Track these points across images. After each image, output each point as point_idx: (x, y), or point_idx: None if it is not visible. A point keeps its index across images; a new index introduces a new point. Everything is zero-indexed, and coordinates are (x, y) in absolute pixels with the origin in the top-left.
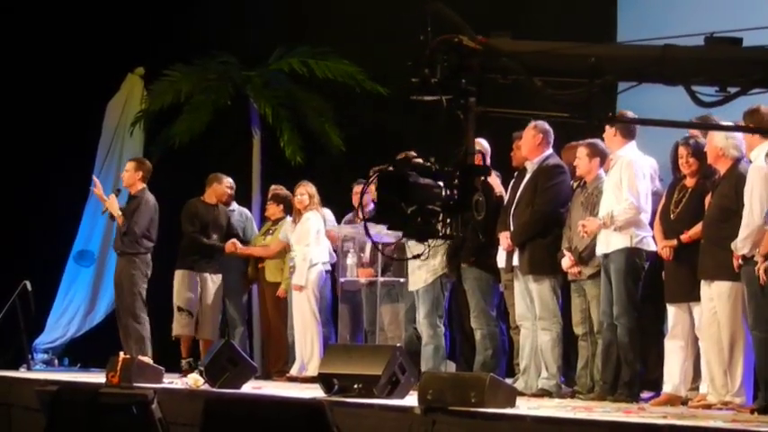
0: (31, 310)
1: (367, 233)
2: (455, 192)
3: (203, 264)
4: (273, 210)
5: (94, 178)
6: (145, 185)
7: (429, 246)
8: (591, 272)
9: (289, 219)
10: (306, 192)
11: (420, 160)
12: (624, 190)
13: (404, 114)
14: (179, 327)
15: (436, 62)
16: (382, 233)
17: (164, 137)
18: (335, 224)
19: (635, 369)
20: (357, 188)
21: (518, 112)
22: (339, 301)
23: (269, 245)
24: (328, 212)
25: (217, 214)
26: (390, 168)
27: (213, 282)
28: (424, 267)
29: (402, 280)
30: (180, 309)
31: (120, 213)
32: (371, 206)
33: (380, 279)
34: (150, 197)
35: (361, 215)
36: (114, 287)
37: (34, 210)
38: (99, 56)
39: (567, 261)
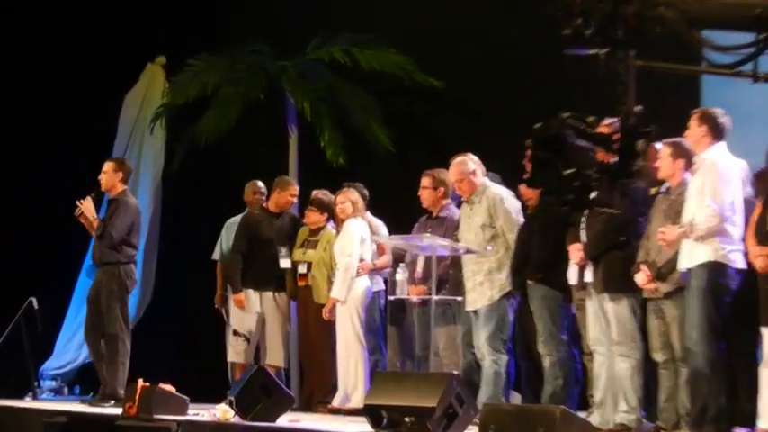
0: (38, 330)
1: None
2: (615, 156)
3: (264, 281)
4: (315, 218)
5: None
6: (126, 188)
7: (483, 253)
8: (669, 289)
9: (333, 230)
10: (347, 199)
11: (575, 121)
12: (706, 195)
13: (457, 110)
14: (233, 353)
15: (589, 12)
16: (436, 244)
17: (188, 135)
18: (386, 234)
19: (720, 402)
20: (426, 180)
21: (680, 68)
22: (388, 323)
23: (314, 262)
24: (378, 222)
25: (282, 225)
26: (547, 128)
27: (278, 300)
28: (487, 283)
29: (459, 299)
30: (236, 333)
31: (95, 216)
32: (448, 209)
33: (435, 297)
34: (132, 200)
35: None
36: (87, 304)
37: (41, 217)
38: (114, 44)
39: (642, 276)
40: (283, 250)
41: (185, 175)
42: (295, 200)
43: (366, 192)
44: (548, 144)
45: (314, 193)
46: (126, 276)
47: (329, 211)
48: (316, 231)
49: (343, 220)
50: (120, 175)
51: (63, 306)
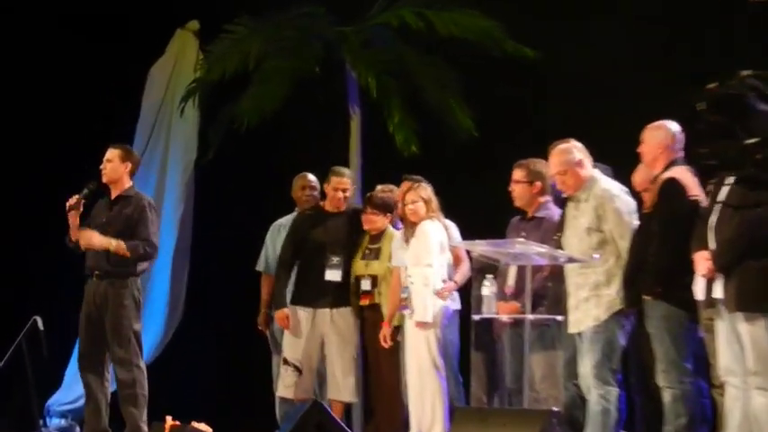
0: (44, 356)
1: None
2: None
3: (317, 296)
4: (379, 222)
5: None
6: (132, 183)
7: (589, 263)
8: None
9: (395, 233)
10: (419, 197)
11: (758, 82)
12: None
13: (557, 86)
14: (282, 386)
15: None
16: (531, 251)
17: (226, 117)
18: (458, 238)
19: None
20: (518, 173)
21: None
22: (472, 348)
23: (380, 275)
24: (450, 224)
25: (337, 227)
26: (724, 88)
27: (337, 318)
28: (593, 300)
29: (560, 318)
30: (286, 362)
31: (115, 242)
32: (546, 208)
33: (530, 317)
34: (145, 195)
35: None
36: (85, 324)
37: (44, 217)
38: (138, 6)
39: None
40: (335, 259)
41: (222, 167)
42: (342, 194)
43: (430, 187)
44: (725, 106)
45: (378, 189)
46: (137, 289)
47: (392, 212)
48: (377, 237)
49: (414, 223)
50: (129, 166)
51: (73, 327)
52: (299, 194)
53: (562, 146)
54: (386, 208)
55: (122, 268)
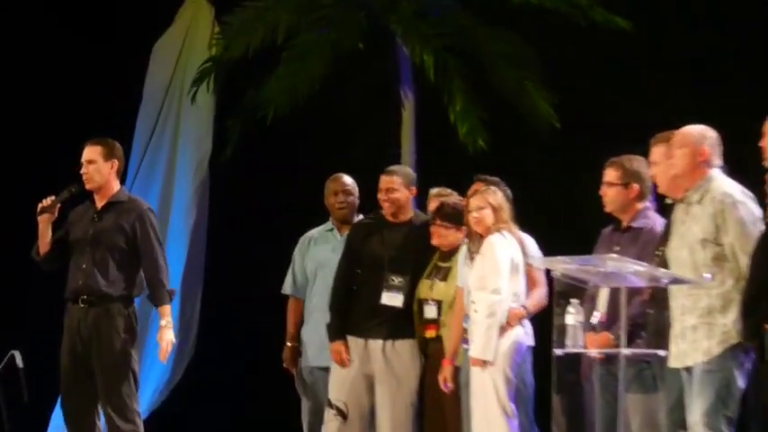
0: (23, 399)
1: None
2: None
3: (369, 323)
4: (451, 236)
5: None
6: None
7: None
8: None
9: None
10: (486, 202)
11: None
12: None
13: (658, 63)
14: None
15: None
16: (627, 270)
17: (248, 105)
18: (537, 254)
19: None
20: (612, 173)
21: None
22: (552, 390)
23: (445, 301)
24: (525, 237)
25: (402, 240)
26: None
27: (390, 353)
28: (704, 329)
29: (663, 353)
30: (330, 404)
31: (165, 320)
32: (646, 216)
33: (625, 351)
34: (141, 200)
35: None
36: (68, 361)
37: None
38: None
39: None
40: (396, 280)
41: (243, 168)
42: (386, 196)
43: (509, 191)
44: None
45: (435, 193)
46: (134, 314)
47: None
48: (448, 254)
49: (480, 236)
50: (115, 164)
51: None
52: (331, 201)
53: (690, 131)
54: (460, 219)
55: (119, 290)
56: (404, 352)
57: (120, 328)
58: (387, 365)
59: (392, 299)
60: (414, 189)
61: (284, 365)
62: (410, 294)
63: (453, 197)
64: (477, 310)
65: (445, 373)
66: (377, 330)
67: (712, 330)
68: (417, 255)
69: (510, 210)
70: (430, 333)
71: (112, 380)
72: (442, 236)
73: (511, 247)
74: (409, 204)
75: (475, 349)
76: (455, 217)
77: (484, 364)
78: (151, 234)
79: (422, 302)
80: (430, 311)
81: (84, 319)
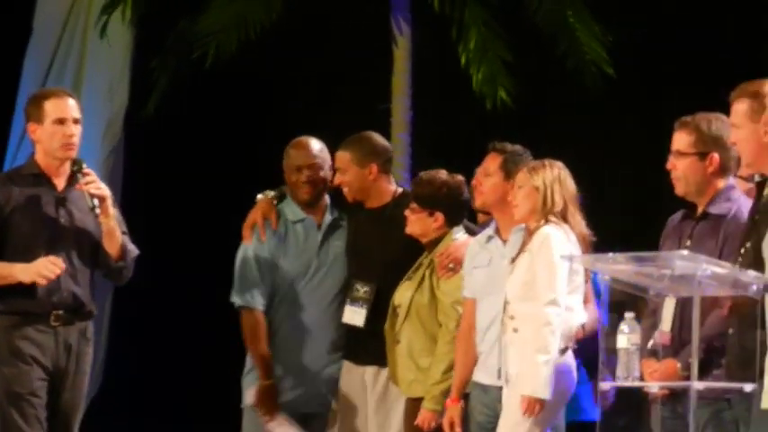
0: None
1: None
2: None
3: (368, 349)
4: (419, 224)
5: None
6: None
7: None
8: None
9: (462, 239)
10: (541, 176)
11: None
12: None
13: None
14: None
15: None
16: (702, 272)
17: (180, 40)
18: (575, 251)
19: None
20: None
21: None
22: (598, 429)
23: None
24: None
25: (373, 233)
26: None
27: (372, 383)
28: None
29: (749, 387)
30: None
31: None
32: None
33: (698, 385)
34: None
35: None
36: (43, 399)
37: None
38: None
39: None
40: (361, 289)
41: (173, 127)
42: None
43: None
44: None
45: (421, 174)
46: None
47: (449, 210)
48: (431, 247)
49: (531, 229)
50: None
51: None
52: (293, 179)
53: None
54: (435, 201)
55: (92, 301)
56: (356, 382)
57: (86, 349)
58: (364, 395)
59: (353, 315)
60: (373, 166)
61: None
62: (376, 307)
63: (437, 173)
64: (518, 329)
65: (452, 416)
66: (356, 355)
67: None
68: (395, 251)
69: (572, 189)
70: None
71: (75, 410)
72: (410, 222)
73: (568, 242)
74: (376, 186)
75: (526, 384)
76: (428, 198)
77: (538, 406)
78: (118, 214)
79: (395, 310)
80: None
81: (62, 342)
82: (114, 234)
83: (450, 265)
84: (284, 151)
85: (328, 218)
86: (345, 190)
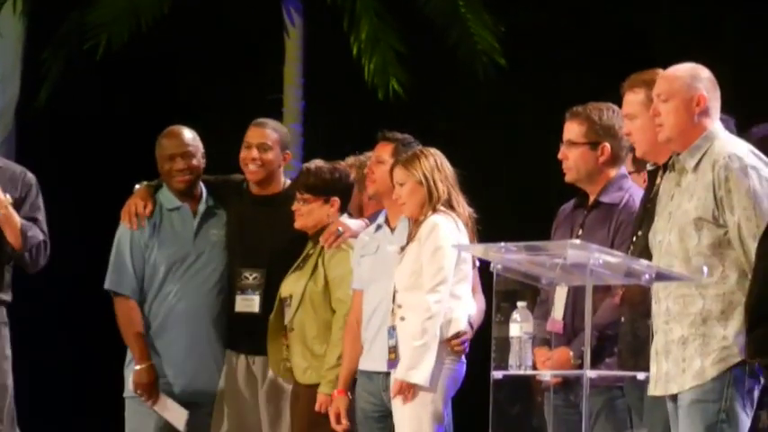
0: None
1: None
2: None
3: (243, 337)
4: (313, 214)
5: None
6: None
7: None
8: None
9: (354, 224)
10: (420, 169)
11: None
12: None
13: None
14: None
15: None
16: (594, 260)
17: (72, 30)
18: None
19: None
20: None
21: None
22: (491, 425)
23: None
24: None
25: (264, 221)
26: None
27: (255, 374)
28: (696, 343)
29: (641, 376)
30: None
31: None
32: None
33: (591, 374)
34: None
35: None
36: None
37: None
38: None
39: None
40: (250, 276)
41: (64, 116)
42: (255, 158)
43: (439, 157)
44: None
45: (307, 164)
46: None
47: (343, 196)
48: (315, 238)
49: (419, 219)
50: None
51: None
52: (166, 168)
53: (674, 69)
54: (329, 188)
55: (7, 292)
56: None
57: (5, 346)
58: (243, 386)
59: (246, 303)
60: (288, 154)
61: (136, 393)
62: (267, 294)
63: (321, 162)
64: (405, 318)
65: (338, 406)
66: (240, 343)
67: (707, 345)
68: (283, 240)
69: (453, 176)
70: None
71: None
72: (302, 214)
73: (455, 231)
74: (281, 173)
75: (401, 369)
76: (323, 186)
77: (410, 390)
78: (39, 202)
79: (282, 302)
80: (290, 314)
81: None
82: (9, 222)
83: (340, 229)
84: (156, 142)
85: (203, 206)
86: (256, 167)
